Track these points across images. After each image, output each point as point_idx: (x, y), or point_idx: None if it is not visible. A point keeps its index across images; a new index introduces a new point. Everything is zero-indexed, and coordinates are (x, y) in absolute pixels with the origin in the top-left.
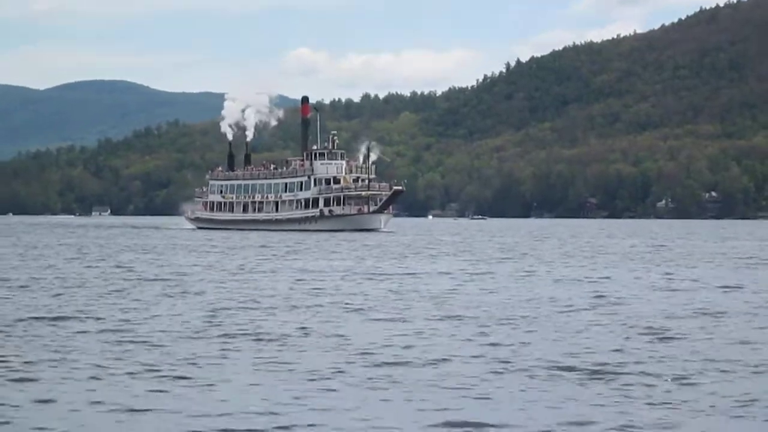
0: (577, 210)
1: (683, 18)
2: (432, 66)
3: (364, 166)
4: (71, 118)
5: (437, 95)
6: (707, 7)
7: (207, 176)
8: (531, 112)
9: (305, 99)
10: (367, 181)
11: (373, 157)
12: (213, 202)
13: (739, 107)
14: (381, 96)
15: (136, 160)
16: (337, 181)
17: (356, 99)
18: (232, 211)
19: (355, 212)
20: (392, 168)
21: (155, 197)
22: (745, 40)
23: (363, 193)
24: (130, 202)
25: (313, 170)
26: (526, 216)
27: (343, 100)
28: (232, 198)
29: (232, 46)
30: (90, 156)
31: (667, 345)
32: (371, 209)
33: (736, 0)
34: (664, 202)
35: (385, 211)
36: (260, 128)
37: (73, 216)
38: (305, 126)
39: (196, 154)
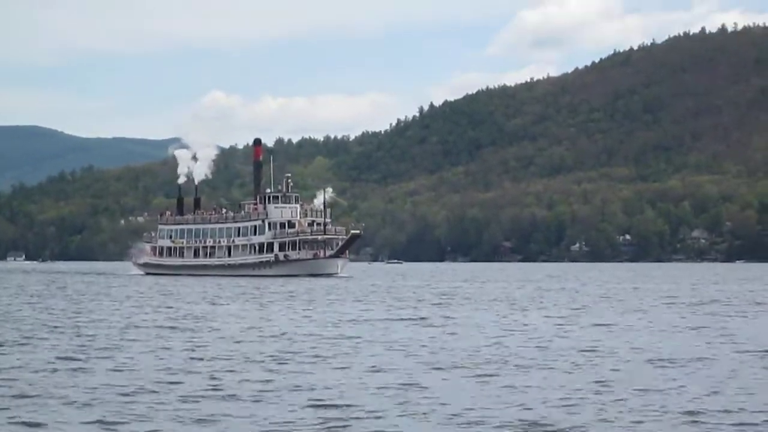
0: (492, 254)
1: (597, 61)
2: (346, 110)
3: (319, 210)
4: None
5: (351, 139)
6: (621, 50)
7: (157, 220)
8: (445, 156)
9: (257, 141)
10: (322, 225)
11: (328, 198)
12: (162, 248)
13: (653, 150)
14: (294, 140)
15: (50, 206)
16: (292, 225)
17: (270, 143)
18: (183, 257)
19: (311, 257)
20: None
21: (70, 242)
22: (660, 82)
23: (319, 237)
24: (45, 247)
25: (267, 214)
26: (441, 260)
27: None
28: (183, 243)
29: (144, 90)
30: (4, 201)
31: None
32: (327, 254)
33: (649, 43)
34: (578, 245)
35: (342, 256)
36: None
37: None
38: (257, 168)
39: (111, 199)
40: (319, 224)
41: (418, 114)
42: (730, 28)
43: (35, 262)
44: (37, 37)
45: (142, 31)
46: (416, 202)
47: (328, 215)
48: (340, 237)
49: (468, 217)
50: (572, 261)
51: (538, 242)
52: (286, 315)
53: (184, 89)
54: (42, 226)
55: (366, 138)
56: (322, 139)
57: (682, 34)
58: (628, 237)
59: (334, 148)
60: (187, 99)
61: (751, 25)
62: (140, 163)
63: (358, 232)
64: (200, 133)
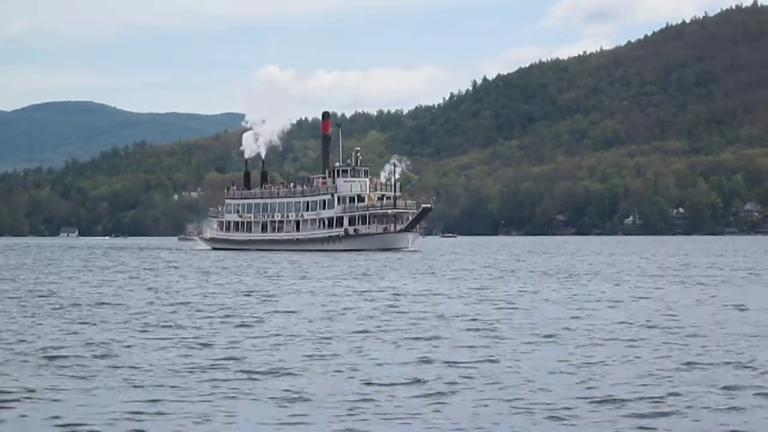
0: (545, 227)
1: (649, 34)
2: (399, 84)
3: (388, 183)
4: (38, 140)
5: (404, 114)
6: (673, 24)
7: (224, 195)
8: (498, 130)
9: (326, 115)
10: (392, 198)
11: (397, 174)
12: (229, 222)
13: (705, 123)
14: (348, 115)
15: (103, 182)
16: (361, 199)
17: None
18: (250, 231)
19: (381, 231)
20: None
21: (122, 218)
22: (712, 56)
23: (389, 211)
24: (97, 223)
25: (336, 188)
26: (494, 233)
27: (310, 120)
28: (250, 217)
29: (197, 65)
30: (57, 177)
31: None
32: (398, 228)
33: (701, 16)
34: (631, 218)
35: (412, 230)
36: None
37: (67, 236)
38: (326, 142)
39: (163, 174)
40: (389, 198)
41: (471, 88)
42: None
43: (107, 238)
44: (90, 13)
45: (194, 7)
46: (469, 176)
47: (398, 189)
48: (411, 211)
49: (521, 190)
50: (625, 234)
51: (591, 215)
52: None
53: (236, 64)
54: (95, 201)
55: (419, 112)
56: (375, 114)
57: (734, 7)
58: (681, 210)
59: (387, 122)
60: (240, 74)
61: None
62: (192, 139)
63: (429, 205)
64: (256, 108)
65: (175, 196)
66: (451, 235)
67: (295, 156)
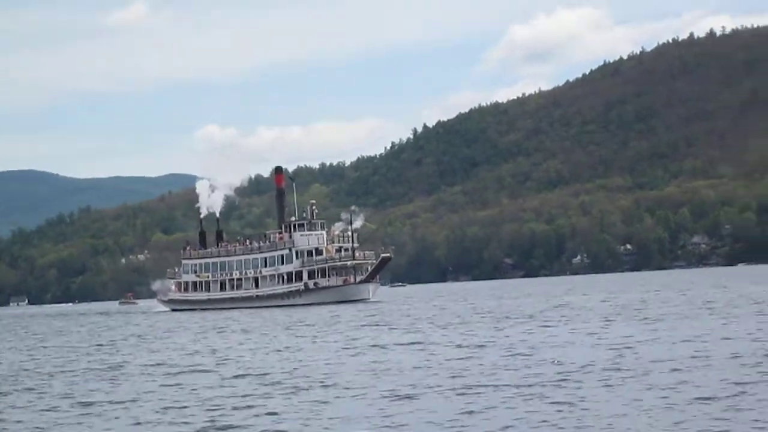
0: (493, 271)
1: (587, 73)
2: (340, 136)
3: (346, 235)
4: None
5: (346, 165)
6: (611, 61)
7: (180, 255)
8: (441, 177)
9: (279, 169)
10: (351, 250)
11: (356, 224)
12: (187, 283)
13: (648, 158)
14: (291, 170)
15: (50, 249)
16: (319, 252)
17: (266, 174)
18: (209, 291)
19: (341, 283)
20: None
21: (72, 284)
22: (651, 91)
23: (348, 263)
24: (47, 290)
25: (293, 242)
26: (442, 280)
27: (253, 176)
28: (208, 277)
29: (138, 128)
30: (4, 247)
31: None
32: (358, 279)
33: (638, 52)
34: (579, 257)
35: (373, 281)
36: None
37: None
38: (280, 197)
39: (110, 239)
40: (347, 250)
41: (412, 136)
42: (718, 32)
43: (69, 304)
44: (28, 81)
45: (132, 70)
46: (415, 224)
47: (356, 240)
48: (370, 262)
49: (467, 236)
50: (574, 274)
51: (538, 257)
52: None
53: (177, 125)
54: (43, 269)
55: (362, 163)
56: (318, 167)
57: (671, 41)
58: (628, 246)
59: (330, 174)
60: (180, 135)
61: (740, 27)
62: (137, 201)
63: (388, 255)
64: (208, 166)
65: (123, 260)
66: (400, 284)
67: (240, 213)
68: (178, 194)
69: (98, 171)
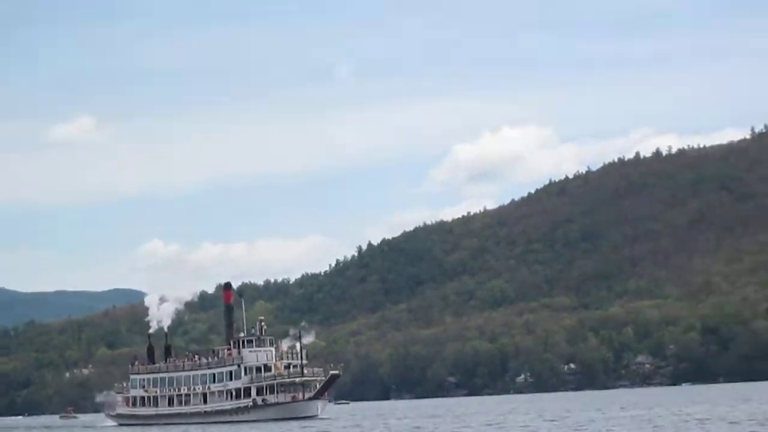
0: (437, 390)
1: (533, 192)
2: (284, 254)
3: (294, 351)
4: None
5: (291, 282)
6: (556, 180)
7: (128, 370)
8: (385, 294)
9: (227, 285)
10: (299, 367)
11: (306, 341)
12: (135, 397)
13: (593, 278)
14: (235, 286)
15: None
16: (268, 368)
17: (210, 290)
18: (157, 406)
19: (290, 400)
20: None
21: (16, 397)
22: (596, 210)
23: (297, 379)
24: None
25: (242, 358)
26: (386, 398)
27: (198, 292)
28: (156, 392)
29: (82, 242)
30: None
31: None
32: (306, 396)
33: (584, 171)
34: (523, 376)
35: (321, 397)
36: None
37: None
38: (229, 313)
39: (55, 352)
40: (295, 366)
41: (357, 254)
42: (664, 152)
43: (19, 417)
44: None
45: (76, 184)
46: (359, 342)
47: (304, 357)
48: (318, 378)
49: (411, 354)
50: (518, 392)
51: (482, 376)
52: None
53: (121, 240)
54: None
55: (306, 280)
56: (262, 284)
57: (617, 160)
58: (572, 366)
59: (275, 291)
60: (124, 250)
61: (686, 147)
62: (81, 316)
63: (337, 372)
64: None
65: (67, 374)
66: (344, 401)
67: (185, 329)
68: (123, 309)
69: (42, 285)
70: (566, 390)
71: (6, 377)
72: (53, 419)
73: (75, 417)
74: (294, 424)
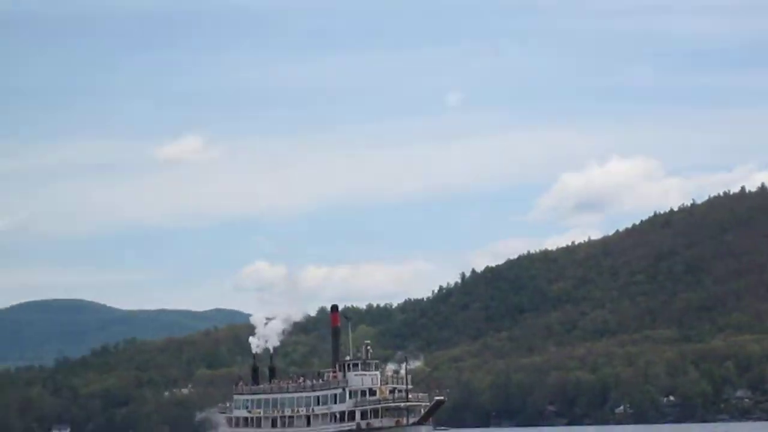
0: (536, 417)
1: (637, 223)
2: (388, 278)
3: (399, 376)
4: (28, 338)
5: (393, 307)
6: (661, 212)
7: (233, 390)
8: (488, 322)
9: (335, 308)
10: (404, 391)
11: (412, 365)
12: (239, 418)
13: (696, 311)
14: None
15: (94, 378)
16: (373, 392)
17: (313, 313)
18: (260, 427)
19: (394, 424)
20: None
21: (115, 415)
22: (700, 243)
23: (401, 404)
24: (90, 420)
25: (347, 382)
26: (486, 425)
27: (307, 313)
28: (260, 413)
29: (186, 262)
30: (48, 375)
31: None
32: (410, 421)
33: (690, 204)
34: (622, 407)
35: (426, 423)
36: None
37: None
38: (336, 336)
39: (155, 371)
40: (400, 391)
41: (460, 280)
42: None
43: None
44: (79, 211)
45: (181, 205)
46: (460, 368)
47: (409, 382)
48: (423, 404)
49: (512, 382)
50: (617, 423)
51: (582, 405)
52: None
53: (224, 261)
54: (86, 398)
55: (409, 305)
56: (365, 308)
57: (722, 194)
58: (672, 398)
59: (377, 316)
60: (227, 270)
61: None
62: (182, 335)
63: (442, 398)
64: (253, 303)
65: (166, 393)
66: (444, 428)
67: (285, 351)
68: (224, 329)
69: (144, 303)
70: (665, 422)
71: (106, 394)
72: None
73: None
74: None
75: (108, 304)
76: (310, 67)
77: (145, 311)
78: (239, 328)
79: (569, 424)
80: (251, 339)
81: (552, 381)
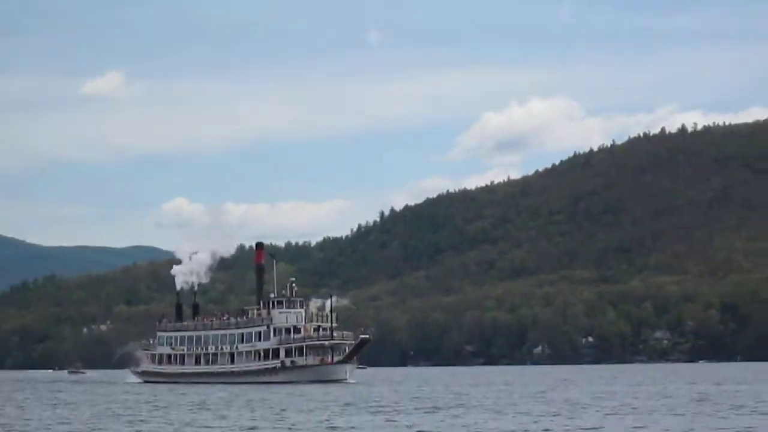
0: (454, 358)
1: (557, 163)
2: (307, 216)
3: (324, 314)
4: None
5: (312, 245)
6: (581, 152)
7: (155, 327)
8: (406, 261)
9: (260, 245)
10: (329, 330)
11: (336, 304)
12: (162, 355)
13: (614, 252)
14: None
15: (12, 315)
16: (297, 330)
17: (232, 250)
18: (183, 364)
19: (318, 363)
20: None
21: (33, 351)
22: (620, 183)
23: (326, 342)
24: (8, 355)
25: (271, 319)
26: (403, 364)
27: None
28: (183, 350)
29: (105, 198)
30: None
31: None
32: (335, 359)
33: (609, 144)
34: (540, 348)
35: (350, 361)
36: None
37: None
38: (260, 273)
39: (74, 308)
40: (325, 329)
41: (378, 219)
42: (690, 128)
43: (50, 371)
44: None
45: (103, 141)
46: (378, 307)
47: (334, 320)
48: (348, 342)
49: (430, 321)
50: (535, 363)
51: (499, 346)
52: None
53: (144, 198)
54: (5, 335)
55: (327, 244)
56: (283, 246)
57: (642, 135)
58: (590, 339)
59: (296, 254)
60: (147, 207)
61: (712, 124)
62: (101, 272)
63: (367, 336)
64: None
65: (85, 330)
66: (360, 366)
67: (204, 289)
68: (143, 266)
69: (63, 239)
70: (583, 363)
71: (23, 331)
72: (62, 374)
73: (83, 372)
74: (326, 387)
75: (26, 240)
76: (233, 4)
77: (65, 248)
78: (159, 264)
79: (486, 364)
80: (176, 271)
81: (469, 321)
